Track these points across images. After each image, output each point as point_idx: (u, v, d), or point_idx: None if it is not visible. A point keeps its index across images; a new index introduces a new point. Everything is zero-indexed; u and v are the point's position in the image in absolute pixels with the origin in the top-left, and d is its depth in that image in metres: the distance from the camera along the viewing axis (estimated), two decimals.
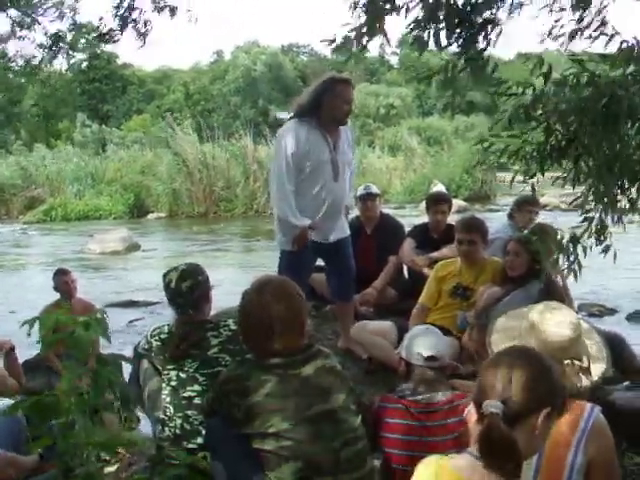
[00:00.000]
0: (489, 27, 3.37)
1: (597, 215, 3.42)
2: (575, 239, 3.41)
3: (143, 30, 5.09)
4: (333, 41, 3.27)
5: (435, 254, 5.77)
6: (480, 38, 3.39)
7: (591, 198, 3.39)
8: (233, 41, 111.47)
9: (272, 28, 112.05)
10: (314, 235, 4.91)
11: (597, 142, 3.25)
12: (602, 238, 3.47)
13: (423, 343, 3.54)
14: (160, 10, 4.90)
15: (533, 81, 3.40)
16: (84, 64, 53.56)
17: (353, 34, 3.23)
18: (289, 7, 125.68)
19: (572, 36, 3.37)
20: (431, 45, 3.34)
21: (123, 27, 5.06)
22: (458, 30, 3.34)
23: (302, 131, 4.81)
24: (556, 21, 3.43)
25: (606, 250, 3.51)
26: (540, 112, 3.36)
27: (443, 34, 3.37)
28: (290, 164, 4.80)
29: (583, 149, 3.32)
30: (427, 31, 3.30)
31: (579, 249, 3.45)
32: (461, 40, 3.37)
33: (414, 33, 3.31)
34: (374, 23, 3.22)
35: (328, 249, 5.03)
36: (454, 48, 3.43)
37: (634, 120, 3.21)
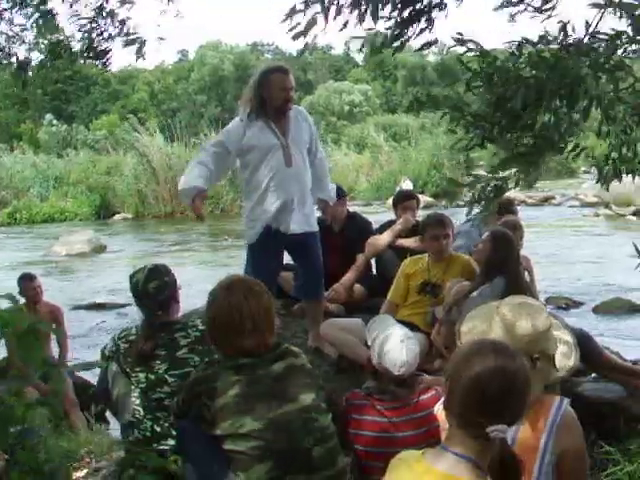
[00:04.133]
0: (435, 9, 3.37)
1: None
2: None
3: (105, 60, 5.00)
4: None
5: (398, 238, 5.79)
6: (423, 19, 3.38)
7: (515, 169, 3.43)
8: (196, 41, 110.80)
9: (234, 27, 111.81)
10: (276, 225, 4.90)
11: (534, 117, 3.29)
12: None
13: (397, 359, 3.42)
14: (128, 44, 4.79)
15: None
16: (47, 65, 52.77)
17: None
18: (250, 6, 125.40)
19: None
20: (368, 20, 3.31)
21: (88, 53, 4.97)
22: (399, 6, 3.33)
23: (243, 125, 4.85)
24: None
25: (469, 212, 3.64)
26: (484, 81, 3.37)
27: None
28: (222, 139, 4.87)
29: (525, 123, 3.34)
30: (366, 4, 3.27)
31: None
32: (403, 16, 3.36)
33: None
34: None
35: (293, 242, 4.98)
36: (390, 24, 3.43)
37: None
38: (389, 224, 6.20)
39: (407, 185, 21.03)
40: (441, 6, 3.41)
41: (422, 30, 3.40)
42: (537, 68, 3.21)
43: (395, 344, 3.48)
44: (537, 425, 2.52)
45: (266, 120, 4.83)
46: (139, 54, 4.69)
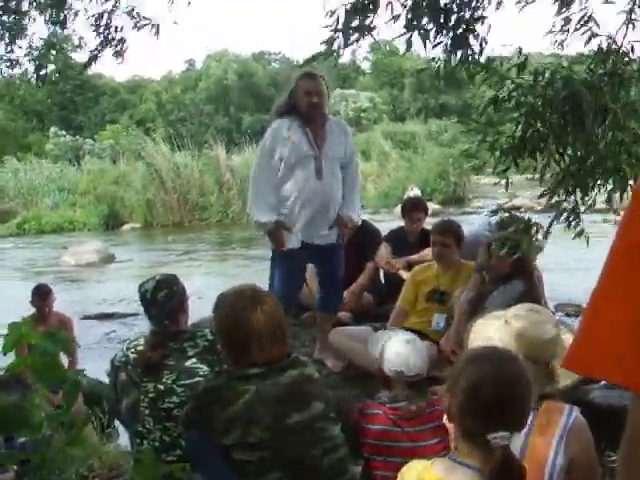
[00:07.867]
0: (479, 24, 3.40)
1: (566, 204, 3.47)
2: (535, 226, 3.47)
3: (120, 49, 5.12)
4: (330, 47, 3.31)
5: (414, 256, 5.79)
6: (471, 37, 3.41)
7: (562, 191, 3.44)
8: (204, 50, 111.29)
9: (242, 36, 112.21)
10: (301, 235, 4.88)
11: (569, 138, 3.29)
12: (574, 223, 3.53)
13: (405, 362, 3.42)
14: (140, 28, 4.90)
15: (509, 75, 3.43)
16: (55, 75, 53.02)
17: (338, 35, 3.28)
18: (258, 15, 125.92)
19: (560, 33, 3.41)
20: (418, 45, 3.39)
21: (103, 47, 5.09)
22: (445, 29, 3.37)
23: (282, 127, 4.83)
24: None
25: (580, 234, 3.58)
26: (514, 104, 3.38)
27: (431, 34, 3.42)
28: (268, 160, 4.82)
29: (557, 143, 3.34)
30: (415, 31, 3.33)
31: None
32: (450, 39, 3.41)
33: (401, 34, 3.35)
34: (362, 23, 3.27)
35: (316, 252, 4.97)
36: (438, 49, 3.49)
37: (604, 118, 3.25)
38: (398, 231, 6.21)
39: (415, 192, 20.99)
40: (482, 20, 3.45)
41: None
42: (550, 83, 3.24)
43: (402, 345, 3.52)
44: (547, 433, 2.50)
45: (302, 128, 4.80)
46: (156, 34, 4.79)
